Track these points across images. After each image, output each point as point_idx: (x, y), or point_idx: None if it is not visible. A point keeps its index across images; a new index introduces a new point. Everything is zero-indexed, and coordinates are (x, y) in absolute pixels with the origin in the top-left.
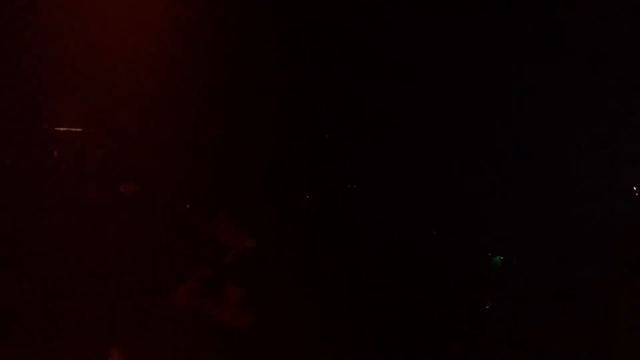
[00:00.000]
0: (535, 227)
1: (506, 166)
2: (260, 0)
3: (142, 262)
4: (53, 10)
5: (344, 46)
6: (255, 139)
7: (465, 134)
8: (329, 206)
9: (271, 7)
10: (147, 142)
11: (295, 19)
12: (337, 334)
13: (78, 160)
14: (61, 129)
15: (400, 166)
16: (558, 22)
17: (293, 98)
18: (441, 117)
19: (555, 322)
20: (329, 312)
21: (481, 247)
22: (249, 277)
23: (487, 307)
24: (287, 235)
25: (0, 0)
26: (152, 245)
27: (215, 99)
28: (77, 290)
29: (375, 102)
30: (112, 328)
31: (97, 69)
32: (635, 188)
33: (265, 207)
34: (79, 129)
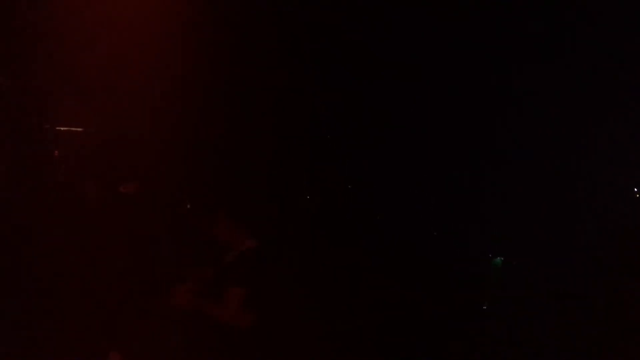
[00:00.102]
0: (535, 227)
1: (506, 166)
2: (260, 0)
3: (142, 262)
4: (55, 11)
5: (344, 46)
6: (255, 139)
7: (466, 134)
8: (329, 206)
9: (271, 7)
10: (148, 142)
11: (295, 19)
12: (337, 334)
13: (78, 160)
14: (62, 128)
15: (401, 166)
16: (558, 22)
17: (293, 98)
18: (441, 118)
19: (555, 322)
20: (329, 312)
21: (481, 247)
22: (249, 277)
23: (485, 307)
24: (287, 235)
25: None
26: (152, 245)
27: (216, 99)
28: (77, 290)
29: (376, 102)
30: (112, 328)
31: (98, 69)
32: (636, 189)
33: (265, 207)
34: (79, 129)
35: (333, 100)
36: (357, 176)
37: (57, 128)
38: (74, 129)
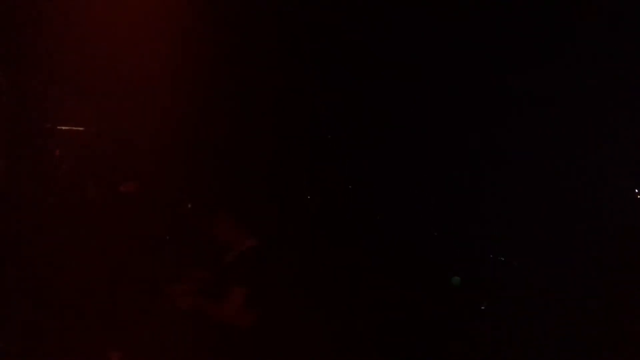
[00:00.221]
0: (535, 227)
1: (507, 167)
2: (260, 0)
3: (142, 262)
4: (55, 10)
5: (344, 46)
6: (255, 139)
7: (466, 134)
8: (329, 206)
9: (271, 7)
10: (148, 142)
11: (295, 19)
12: (337, 334)
13: (79, 160)
14: (63, 128)
15: (401, 166)
16: (558, 22)
17: (293, 98)
18: (441, 118)
19: (555, 322)
20: (329, 312)
21: (481, 247)
22: (249, 277)
23: (484, 307)
24: (288, 235)
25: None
26: (152, 245)
27: (216, 99)
28: (77, 290)
29: (376, 102)
30: (112, 328)
31: (98, 69)
32: (637, 190)
33: (265, 207)
34: (80, 129)
35: (333, 100)
36: (357, 176)
37: (57, 128)
38: (74, 128)
